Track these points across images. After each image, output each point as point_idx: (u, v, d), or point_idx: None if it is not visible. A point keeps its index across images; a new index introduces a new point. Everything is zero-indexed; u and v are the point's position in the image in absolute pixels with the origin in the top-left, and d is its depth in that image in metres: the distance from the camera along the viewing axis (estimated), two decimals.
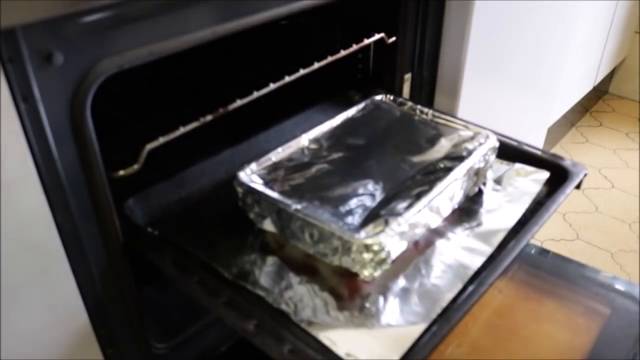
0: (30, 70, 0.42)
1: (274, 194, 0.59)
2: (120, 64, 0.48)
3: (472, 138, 0.70)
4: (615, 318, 0.72)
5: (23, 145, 0.44)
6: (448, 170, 0.63)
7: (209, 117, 0.65)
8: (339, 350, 0.47)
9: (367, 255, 0.52)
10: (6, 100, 0.42)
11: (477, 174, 0.65)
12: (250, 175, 0.63)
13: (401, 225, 0.54)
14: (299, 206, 0.56)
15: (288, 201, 0.57)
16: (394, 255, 0.54)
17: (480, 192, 0.67)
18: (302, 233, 0.56)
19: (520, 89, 1.24)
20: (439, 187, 0.59)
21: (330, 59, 0.79)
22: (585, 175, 0.69)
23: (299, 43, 0.93)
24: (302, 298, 0.53)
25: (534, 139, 1.44)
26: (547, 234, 1.53)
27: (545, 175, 0.69)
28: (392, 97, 0.82)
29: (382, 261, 0.52)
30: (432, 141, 0.71)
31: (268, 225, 0.60)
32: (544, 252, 0.85)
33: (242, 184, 0.61)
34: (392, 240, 0.53)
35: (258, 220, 0.60)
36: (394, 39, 0.86)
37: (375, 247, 0.52)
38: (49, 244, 0.49)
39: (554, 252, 0.85)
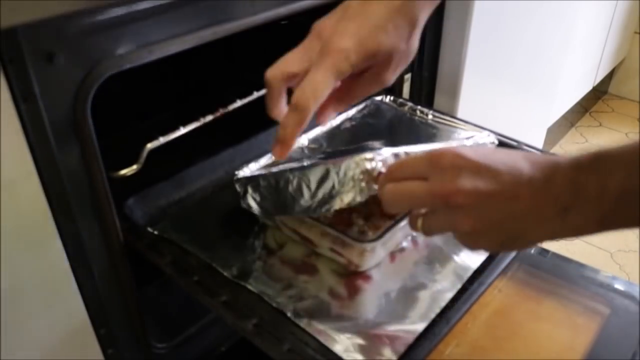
0: (31, 70, 0.42)
1: (270, 170, 0.58)
2: (121, 64, 0.48)
3: (471, 138, 0.70)
4: (615, 318, 0.72)
5: (23, 145, 0.44)
6: None
7: (209, 117, 0.65)
8: (339, 349, 0.47)
9: (367, 166, 0.50)
10: (7, 100, 0.42)
11: None
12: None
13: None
14: (294, 170, 0.55)
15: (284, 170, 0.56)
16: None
17: None
18: (300, 193, 0.54)
19: (520, 89, 1.24)
20: None
21: None
22: None
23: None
24: (302, 297, 0.53)
25: (534, 139, 1.44)
26: None
27: None
28: (392, 98, 0.82)
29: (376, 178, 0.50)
30: (433, 141, 0.71)
31: (274, 213, 0.58)
32: (543, 251, 0.85)
33: (240, 180, 0.60)
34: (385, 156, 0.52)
35: (264, 212, 0.58)
36: None
37: (373, 163, 0.50)
38: (49, 243, 0.49)
39: (554, 252, 0.84)
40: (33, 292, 0.49)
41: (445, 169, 0.40)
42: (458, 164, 0.40)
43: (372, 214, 0.57)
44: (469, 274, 0.55)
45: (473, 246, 0.44)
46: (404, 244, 0.59)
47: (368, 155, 0.50)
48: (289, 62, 0.48)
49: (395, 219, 0.56)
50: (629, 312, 0.73)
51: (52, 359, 0.54)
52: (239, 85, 0.71)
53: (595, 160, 0.38)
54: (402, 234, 0.59)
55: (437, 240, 0.60)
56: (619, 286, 0.77)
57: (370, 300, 0.53)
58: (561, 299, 0.76)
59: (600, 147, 0.39)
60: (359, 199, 0.50)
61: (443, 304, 0.52)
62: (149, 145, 0.61)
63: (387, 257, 0.58)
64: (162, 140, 0.62)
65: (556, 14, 1.24)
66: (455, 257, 0.57)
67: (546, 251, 0.85)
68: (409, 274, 0.56)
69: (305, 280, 0.55)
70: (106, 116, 0.57)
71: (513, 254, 0.57)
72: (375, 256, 0.55)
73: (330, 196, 0.52)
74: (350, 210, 0.57)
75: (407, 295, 0.53)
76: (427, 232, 0.44)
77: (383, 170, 0.50)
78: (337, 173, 0.51)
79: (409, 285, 0.54)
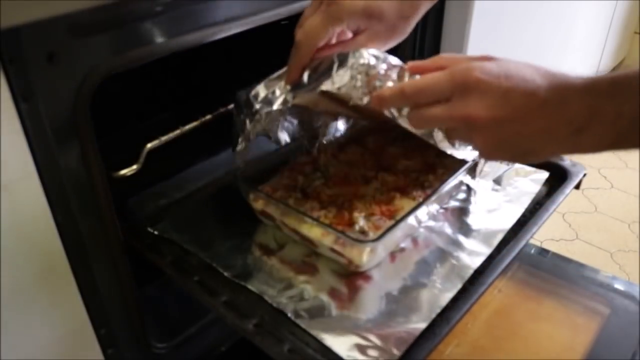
0: (31, 70, 0.42)
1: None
2: (121, 64, 0.48)
3: None
4: (615, 318, 0.72)
5: (24, 145, 0.44)
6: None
7: (209, 117, 0.65)
8: (339, 349, 0.47)
9: (370, 61, 0.49)
10: (7, 100, 0.42)
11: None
12: None
13: None
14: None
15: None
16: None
17: (479, 191, 0.67)
18: (302, 80, 0.53)
19: None
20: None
21: None
22: (585, 175, 0.69)
23: None
24: (302, 297, 0.53)
25: None
26: (546, 234, 1.53)
27: (544, 175, 0.69)
28: None
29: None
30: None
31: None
32: (543, 252, 0.85)
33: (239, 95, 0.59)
34: None
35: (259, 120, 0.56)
36: None
37: (376, 61, 0.49)
38: (50, 243, 0.49)
39: (554, 252, 0.85)
40: (33, 292, 0.50)
41: (467, 92, 0.43)
42: (479, 87, 0.42)
43: (373, 214, 0.57)
44: (469, 274, 0.55)
45: (487, 158, 0.52)
46: (404, 244, 0.59)
47: (376, 52, 0.50)
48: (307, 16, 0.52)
49: (395, 219, 0.56)
50: (629, 312, 0.73)
51: (52, 359, 0.54)
52: (239, 85, 0.71)
53: (612, 86, 0.39)
54: (402, 234, 0.59)
55: (437, 240, 0.60)
56: (619, 286, 0.77)
57: (371, 301, 0.53)
58: (561, 299, 0.76)
59: (616, 72, 0.40)
60: (345, 88, 0.49)
61: (443, 304, 0.52)
62: (149, 145, 0.61)
63: (387, 257, 0.58)
64: (162, 140, 0.62)
65: (556, 14, 1.24)
66: (455, 257, 0.57)
67: (546, 251, 0.86)
68: (409, 274, 0.56)
69: (305, 281, 0.55)
70: (106, 116, 0.57)
71: (513, 254, 0.57)
72: (375, 256, 0.55)
73: (324, 75, 0.51)
74: (351, 210, 0.57)
75: (407, 296, 0.53)
76: (450, 139, 0.50)
77: (382, 73, 0.49)
78: (340, 60, 0.50)
79: (409, 285, 0.54)
